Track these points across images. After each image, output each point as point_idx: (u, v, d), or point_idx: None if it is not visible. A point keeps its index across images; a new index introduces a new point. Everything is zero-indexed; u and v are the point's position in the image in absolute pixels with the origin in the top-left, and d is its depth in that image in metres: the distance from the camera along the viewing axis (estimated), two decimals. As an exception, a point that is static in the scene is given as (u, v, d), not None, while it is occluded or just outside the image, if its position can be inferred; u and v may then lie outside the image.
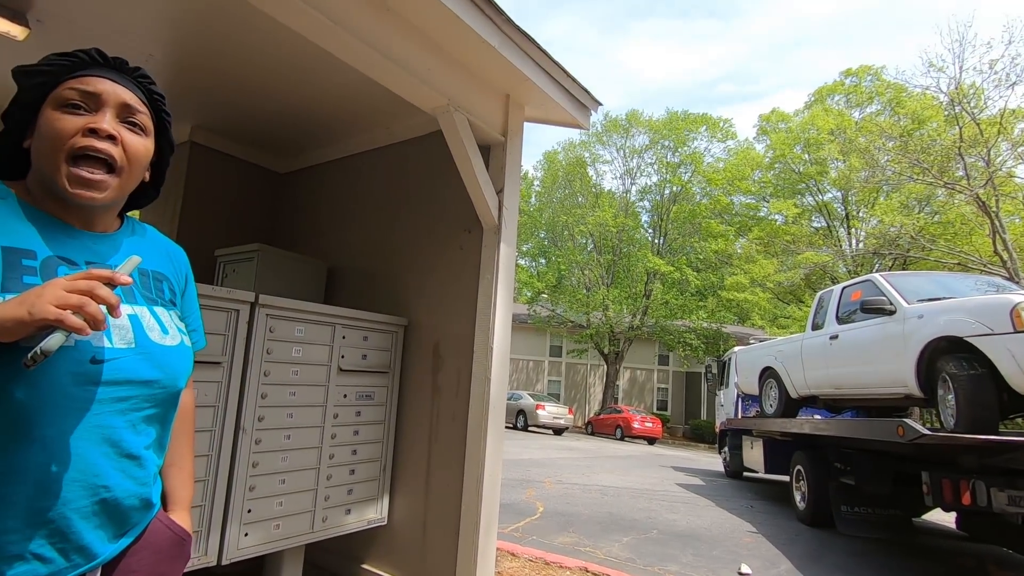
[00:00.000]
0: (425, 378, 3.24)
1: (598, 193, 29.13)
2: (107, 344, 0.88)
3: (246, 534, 2.44)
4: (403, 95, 2.76)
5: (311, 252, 4.04)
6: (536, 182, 33.34)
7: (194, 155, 3.99)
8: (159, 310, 1.01)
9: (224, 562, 2.34)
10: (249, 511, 2.45)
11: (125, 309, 0.94)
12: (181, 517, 1.09)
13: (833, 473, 5.86)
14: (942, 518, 6.72)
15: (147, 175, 1.07)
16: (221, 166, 4.14)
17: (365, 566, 3.22)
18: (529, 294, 27.39)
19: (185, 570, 2.21)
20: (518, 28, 2.72)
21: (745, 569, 4.47)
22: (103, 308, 0.78)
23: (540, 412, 19.59)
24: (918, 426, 4.08)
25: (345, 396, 2.95)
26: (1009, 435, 3.99)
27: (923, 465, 4.48)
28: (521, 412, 20.27)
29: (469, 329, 3.08)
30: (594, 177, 30.06)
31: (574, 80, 3.19)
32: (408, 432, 3.23)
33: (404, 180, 3.69)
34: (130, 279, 0.84)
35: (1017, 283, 9.97)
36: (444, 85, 2.77)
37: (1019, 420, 6.73)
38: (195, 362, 2.23)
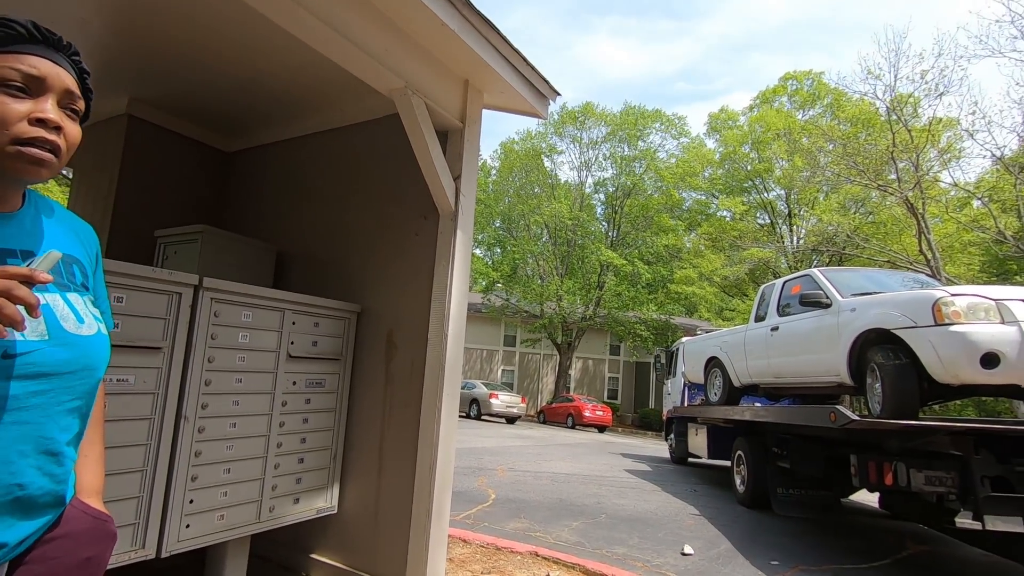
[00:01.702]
0: (378, 365, 3.19)
1: (554, 184, 29.34)
2: (19, 337, 0.83)
3: (188, 525, 2.35)
4: (359, 75, 2.68)
5: (260, 235, 3.89)
6: (493, 171, 33.22)
7: (132, 129, 3.76)
8: (72, 296, 0.95)
9: (164, 554, 2.25)
10: (191, 501, 2.37)
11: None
12: (95, 504, 1.05)
13: (771, 457, 6.17)
14: (867, 498, 7.20)
15: None
16: (162, 142, 3.92)
17: (315, 556, 3.17)
18: (484, 283, 27.36)
19: (122, 564, 2.12)
20: (479, 13, 2.69)
21: (688, 550, 4.67)
22: (21, 309, 0.74)
23: (493, 401, 19.70)
24: (848, 412, 4.35)
25: (295, 383, 2.87)
26: (927, 421, 4.31)
27: (852, 449, 4.77)
28: (475, 401, 20.33)
29: (424, 316, 3.05)
30: (551, 168, 30.26)
31: (534, 69, 3.19)
32: (360, 420, 3.19)
33: (359, 164, 3.60)
34: (50, 277, 0.79)
35: (939, 280, 10.73)
36: (402, 67, 2.72)
37: (936, 407, 7.27)
38: (132, 347, 2.14)
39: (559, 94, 3.41)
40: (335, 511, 3.09)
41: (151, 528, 2.22)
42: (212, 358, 2.47)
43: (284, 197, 3.93)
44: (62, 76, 0.93)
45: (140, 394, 2.21)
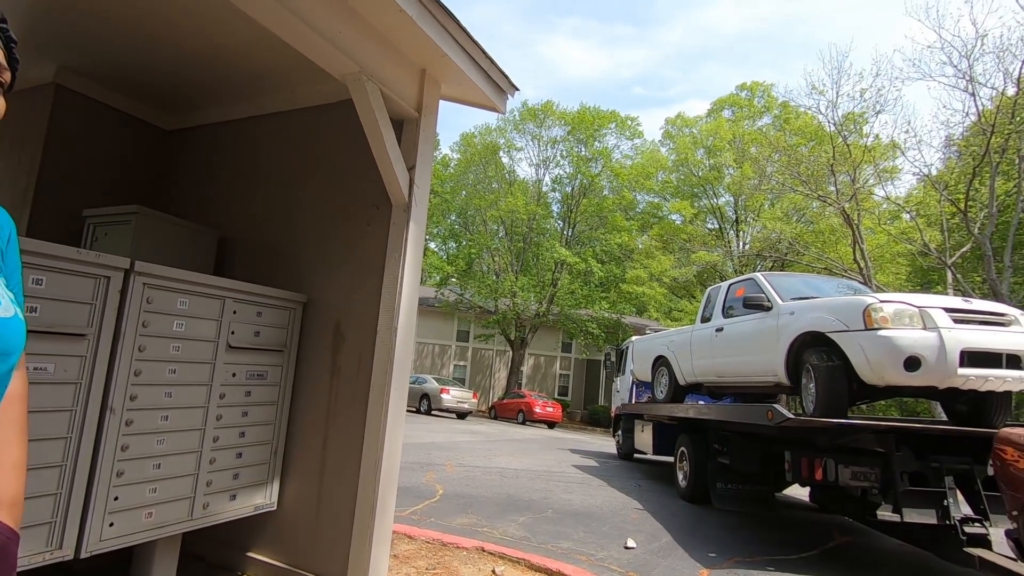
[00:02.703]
0: (324, 358, 3.10)
1: (512, 180, 29.36)
2: None
3: (111, 524, 2.21)
4: (311, 57, 2.59)
5: (201, 220, 3.71)
6: (453, 163, 32.95)
7: (60, 100, 3.50)
8: None
9: (83, 555, 2.11)
10: (116, 499, 2.23)
11: None
12: (3, 519, 0.93)
13: (712, 454, 6.39)
14: (798, 492, 7.58)
15: None
16: (94, 116, 3.67)
17: (251, 554, 3.05)
18: (438, 278, 27.11)
19: (36, 565, 1.97)
20: (438, 1, 2.64)
21: (630, 543, 4.77)
22: None
23: (444, 396, 19.58)
24: (784, 411, 4.55)
25: (234, 375, 2.75)
26: (854, 419, 4.56)
27: (787, 445, 5.00)
28: (425, 396, 20.14)
29: (373, 309, 2.98)
30: (508, 164, 30.27)
31: (492, 62, 3.16)
32: (304, 413, 3.09)
33: (310, 149, 3.48)
34: None
35: (870, 288, 11.39)
36: (356, 51, 2.64)
37: (863, 407, 7.72)
38: (52, 333, 1.99)
39: (518, 89, 3.40)
40: (275, 508, 2.99)
41: (69, 527, 2.07)
42: (143, 347, 2.33)
43: (229, 181, 3.75)
44: None
45: (60, 384, 2.06)
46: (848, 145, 16.40)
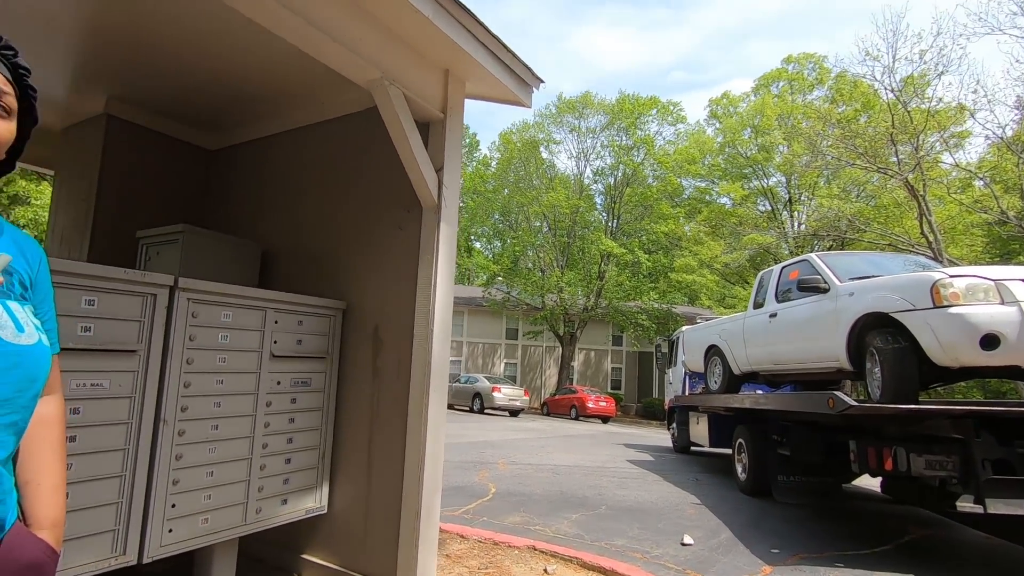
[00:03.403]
0: (365, 362, 3.15)
1: (552, 175, 29.18)
2: None
3: (170, 530, 2.32)
4: (333, 67, 2.62)
5: (245, 234, 3.84)
6: (493, 163, 33.08)
7: (111, 129, 3.70)
8: (12, 304, 0.90)
9: (146, 560, 2.22)
10: (173, 506, 2.33)
11: None
12: (46, 538, 0.97)
13: (771, 445, 6.12)
14: (869, 483, 7.16)
15: (2, 154, 0.96)
16: (143, 141, 3.87)
17: (306, 556, 3.14)
18: (485, 277, 27.30)
19: (103, 571, 2.08)
20: (454, -1, 2.62)
21: (688, 540, 4.63)
22: None
23: (496, 394, 19.70)
24: (846, 398, 4.29)
25: (279, 383, 2.83)
26: (927, 404, 4.24)
27: (851, 434, 4.72)
28: (477, 395, 20.33)
29: (409, 311, 3.00)
30: (548, 159, 30.10)
31: (514, 55, 3.11)
32: (348, 418, 3.15)
33: (342, 158, 3.54)
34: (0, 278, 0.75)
35: (941, 263, 10.63)
36: (377, 57, 2.65)
37: (940, 389, 7.20)
38: (106, 351, 2.09)
39: (542, 81, 3.34)
40: (325, 511, 3.06)
41: (132, 534, 2.18)
42: (191, 360, 2.43)
43: (269, 194, 3.87)
44: None
45: (116, 398, 2.17)
46: (908, 112, 15.35)
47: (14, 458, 0.93)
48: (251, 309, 2.71)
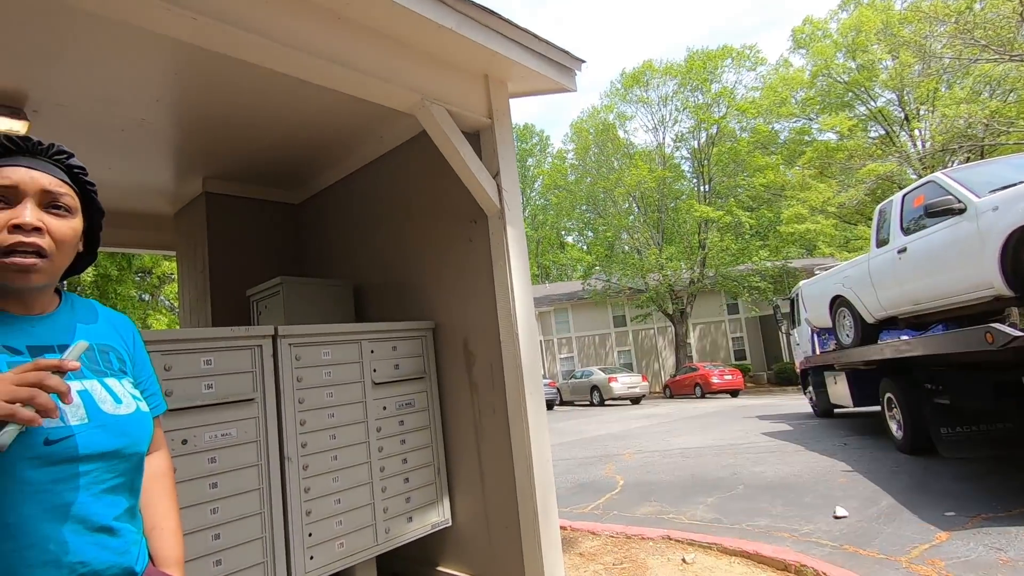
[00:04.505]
0: (461, 376, 3.22)
1: (632, 153, 28.26)
2: (59, 423, 0.90)
3: (311, 557, 2.51)
4: (375, 100, 2.72)
5: (338, 274, 4.12)
6: (570, 155, 32.78)
7: (210, 205, 4.14)
8: (110, 381, 1.02)
9: (295, 586, 2.42)
10: (310, 535, 2.53)
11: (75, 386, 0.95)
12: (173, 573, 1.10)
13: (926, 395, 5.42)
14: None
15: (80, 246, 1.08)
16: (238, 209, 4.28)
17: (441, 568, 3.27)
18: (582, 269, 27.04)
19: (260, 600, 2.30)
20: (473, 3, 2.61)
21: (841, 512, 4.22)
22: (54, 396, 0.80)
23: (614, 384, 19.40)
24: (1008, 329, 3.68)
25: (385, 408, 2.98)
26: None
27: (1025, 370, 4.04)
28: (595, 388, 20.15)
29: (492, 319, 3.03)
30: (625, 137, 29.18)
31: (548, 43, 3.04)
32: (455, 432, 3.24)
33: (405, 185, 3.67)
34: (77, 364, 0.86)
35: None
36: (413, 80, 2.71)
37: None
38: (228, 403, 2.31)
39: (583, 61, 3.23)
40: (450, 523, 3.17)
41: (279, 564, 2.40)
42: (302, 399, 2.63)
43: (350, 233, 4.11)
44: (36, 178, 0.97)
45: (244, 444, 2.40)
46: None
47: (136, 511, 1.05)
48: (347, 343, 2.88)
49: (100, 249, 1.17)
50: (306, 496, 2.55)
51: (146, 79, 2.84)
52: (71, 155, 1.07)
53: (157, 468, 1.16)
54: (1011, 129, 16.07)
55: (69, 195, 1.03)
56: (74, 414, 0.92)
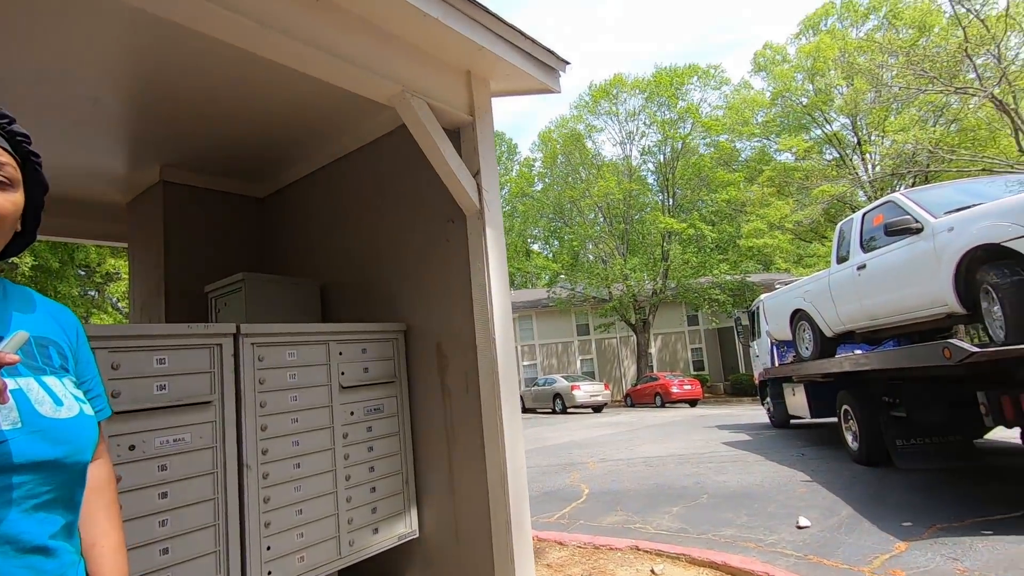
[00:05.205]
0: (433, 380, 3.10)
1: (599, 164, 28.62)
2: None
3: (269, 572, 2.34)
4: (353, 89, 2.60)
5: (304, 272, 3.94)
6: (537, 163, 32.95)
7: (168, 195, 3.90)
8: (49, 380, 0.88)
9: (250, 604, 2.25)
10: (268, 548, 2.36)
11: (7, 383, 0.81)
12: None
13: (882, 407, 5.59)
14: (1007, 435, 6.40)
15: (18, 225, 0.94)
16: (198, 201, 4.05)
17: (406, 581, 3.12)
18: (547, 277, 27.13)
19: (211, 619, 2.12)
20: (461, -4, 2.53)
21: (803, 522, 4.28)
22: None
23: (576, 392, 19.46)
24: (965, 345, 3.82)
25: (352, 413, 2.83)
26: (1066, 339, 3.70)
27: (978, 384, 4.20)
28: (558, 395, 20.17)
29: (468, 322, 2.93)
30: (592, 148, 29.54)
31: (534, 42, 2.99)
32: (425, 439, 3.11)
33: (381, 181, 3.54)
34: (17, 357, 0.74)
35: (1050, 178, 9.40)
36: (395, 70, 2.60)
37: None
38: (182, 406, 2.14)
39: (568, 63, 3.19)
40: (417, 535, 3.03)
41: (233, 580, 2.22)
42: (264, 402, 2.46)
43: (319, 230, 3.94)
44: None
45: (199, 450, 2.22)
46: (982, 20, 13.82)
47: (75, 528, 0.91)
48: (314, 344, 2.72)
49: (42, 238, 1.02)
50: (265, 506, 2.38)
51: (101, 54, 2.63)
52: (12, 120, 0.93)
53: (97, 479, 1.01)
54: (953, 157, 17.05)
55: (11, 165, 0.90)
56: (6, 417, 0.78)
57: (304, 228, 4.06)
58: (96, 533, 0.98)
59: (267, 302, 3.33)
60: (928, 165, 17.75)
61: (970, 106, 17.00)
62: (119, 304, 19.61)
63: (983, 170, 15.40)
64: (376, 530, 2.82)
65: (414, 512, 3.04)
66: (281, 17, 2.19)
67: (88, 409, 0.92)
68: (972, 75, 14.63)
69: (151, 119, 3.29)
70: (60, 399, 0.87)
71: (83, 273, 19.18)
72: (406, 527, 2.98)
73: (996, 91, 13.70)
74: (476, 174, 2.96)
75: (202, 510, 2.19)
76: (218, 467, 2.26)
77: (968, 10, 14.08)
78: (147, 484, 2.05)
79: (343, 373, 2.82)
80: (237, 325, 2.40)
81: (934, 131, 18.68)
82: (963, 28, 13.99)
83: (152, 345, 2.13)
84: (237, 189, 4.25)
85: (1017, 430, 5.62)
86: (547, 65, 3.11)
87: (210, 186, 4.10)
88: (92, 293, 19.48)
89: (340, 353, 2.83)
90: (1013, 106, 13.68)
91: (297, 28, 2.23)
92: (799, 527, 4.22)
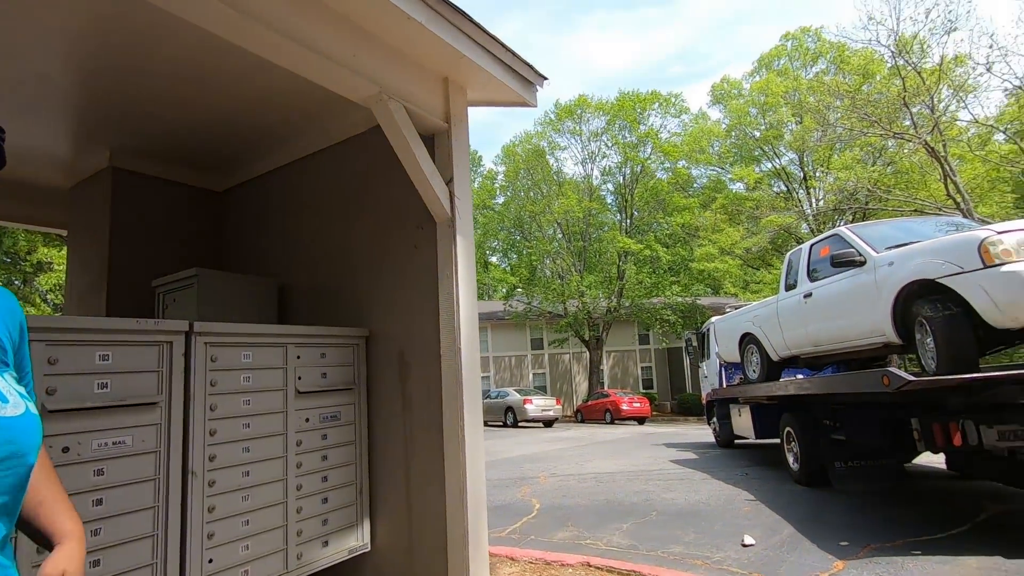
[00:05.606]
0: (394, 389, 3.03)
1: (561, 181, 29.07)
2: None
3: (210, 587, 2.20)
4: (331, 87, 2.54)
5: (261, 271, 3.78)
6: (500, 176, 33.14)
7: (117, 181, 3.68)
8: None
9: (187, 621, 2.11)
10: (210, 561, 2.22)
11: None
12: (71, 550, 0.87)
13: (823, 431, 5.84)
14: (932, 460, 6.80)
15: None
16: (149, 190, 3.84)
17: (354, 597, 3.01)
18: (504, 290, 27.20)
19: (143, 637, 1.97)
20: (447, 2, 2.52)
21: (748, 540, 4.39)
22: None
23: (528, 406, 19.47)
24: (902, 374, 4.04)
25: (307, 420, 2.72)
26: (990, 371, 3.98)
27: (911, 411, 4.45)
28: (509, 409, 20.12)
29: (434, 331, 2.88)
30: (555, 165, 30.01)
31: (515, 55, 3.01)
32: (382, 449, 3.02)
33: (350, 182, 3.46)
34: None
35: (974, 222, 10.19)
36: (374, 71, 2.56)
37: (1007, 352, 6.83)
38: (125, 406, 2.00)
39: (546, 78, 3.22)
40: (369, 549, 2.93)
41: (170, 595, 2.07)
42: (214, 406, 2.33)
43: (281, 229, 3.81)
44: None
45: (140, 454, 2.08)
46: (919, 72, 14.93)
47: (10, 541, 0.82)
48: (271, 347, 2.61)
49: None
50: (209, 516, 2.24)
51: (53, 27, 2.47)
52: None
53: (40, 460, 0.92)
54: (889, 196, 18.25)
55: None
56: None
57: (264, 225, 3.92)
58: (42, 491, 0.89)
59: (221, 300, 3.18)
60: (867, 203, 18.92)
61: (905, 151, 18.29)
62: (48, 296, 18.31)
63: (915, 211, 16.54)
64: (326, 543, 2.70)
65: (367, 524, 2.93)
66: (266, 9, 2.12)
67: (33, 408, 0.84)
68: (908, 122, 15.75)
69: (103, 99, 3.11)
70: (6, 396, 0.79)
71: (8, 260, 17.87)
72: (358, 540, 2.87)
73: (928, 138, 14.78)
74: (449, 182, 2.94)
75: (140, 519, 2.04)
76: (160, 473, 2.12)
77: (906, 62, 15.18)
78: (81, 490, 1.89)
79: (300, 378, 2.71)
80: (190, 323, 2.28)
81: (873, 171, 19.97)
82: (902, 78, 15.05)
83: (95, 340, 1.99)
84: (194, 180, 4.06)
85: (942, 456, 5.99)
86: (525, 79, 3.14)
87: (164, 175, 3.90)
88: (17, 283, 18.13)
89: (298, 357, 2.72)
90: (943, 153, 14.77)
91: (277, 19, 2.16)
92: (744, 545, 4.33)
